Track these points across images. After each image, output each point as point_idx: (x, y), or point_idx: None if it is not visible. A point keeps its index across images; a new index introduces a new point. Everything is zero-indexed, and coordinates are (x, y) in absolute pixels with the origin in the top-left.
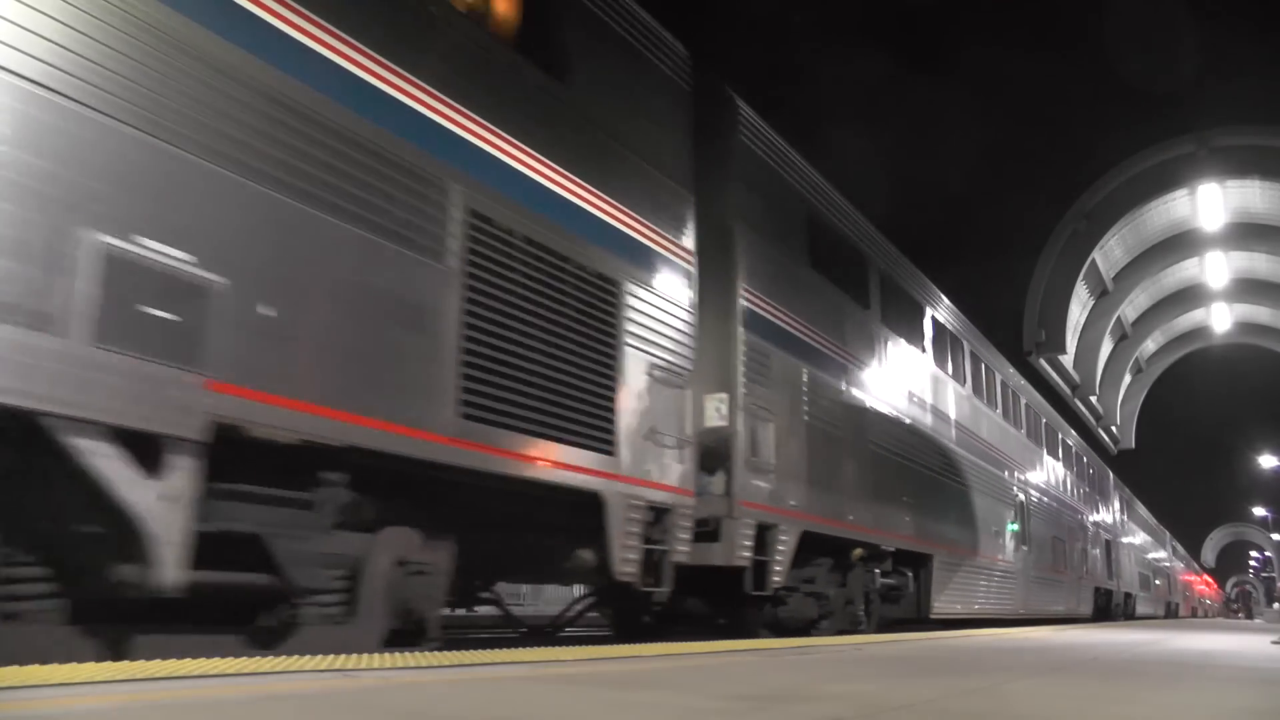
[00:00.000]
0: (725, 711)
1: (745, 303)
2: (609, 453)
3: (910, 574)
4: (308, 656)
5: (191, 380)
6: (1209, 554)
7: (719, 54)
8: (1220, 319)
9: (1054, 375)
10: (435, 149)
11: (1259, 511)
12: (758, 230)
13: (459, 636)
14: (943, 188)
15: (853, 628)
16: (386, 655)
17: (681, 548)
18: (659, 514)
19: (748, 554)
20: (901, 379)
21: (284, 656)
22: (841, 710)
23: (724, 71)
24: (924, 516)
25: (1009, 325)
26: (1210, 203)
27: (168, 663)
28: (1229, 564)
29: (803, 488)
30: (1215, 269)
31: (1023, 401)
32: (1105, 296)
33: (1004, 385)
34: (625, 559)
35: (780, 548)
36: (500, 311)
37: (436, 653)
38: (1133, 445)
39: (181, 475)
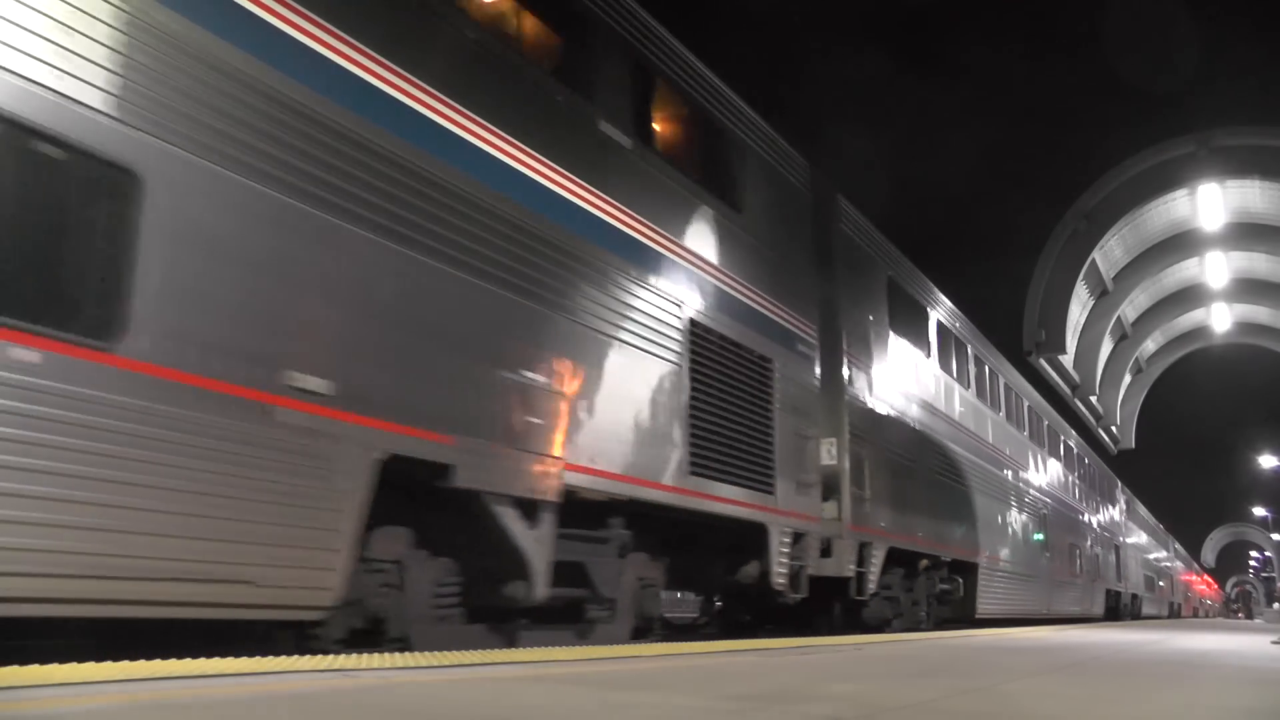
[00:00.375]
0: (725, 711)
1: (847, 364)
2: (770, 492)
3: (960, 580)
4: (308, 657)
5: (557, 465)
6: (1209, 554)
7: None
8: (1220, 319)
9: (1054, 375)
10: (674, 286)
11: (1259, 511)
12: (854, 302)
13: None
14: (943, 188)
15: (915, 626)
16: (386, 655)
17: (812, 563)
18: (797, 537)
19: (853, 566)
20: (953, 413)
21: (284, 657)
22: (841, 710)
23: (818, 162)
24: (971, 530)
25: (1009, 325)
26: (1210, 203)
27: (167, 663)
28: (1229, 564)
29: (888, 511)
30: (1215, 269)
31: (1045, 423)
32: (1105, 296)
33: (1030, 409)
34: (779, 573)
35: (874, 561)
36: (707, 394)
37: (436, 653)
38: (1133, 445)
39: (546, 524)
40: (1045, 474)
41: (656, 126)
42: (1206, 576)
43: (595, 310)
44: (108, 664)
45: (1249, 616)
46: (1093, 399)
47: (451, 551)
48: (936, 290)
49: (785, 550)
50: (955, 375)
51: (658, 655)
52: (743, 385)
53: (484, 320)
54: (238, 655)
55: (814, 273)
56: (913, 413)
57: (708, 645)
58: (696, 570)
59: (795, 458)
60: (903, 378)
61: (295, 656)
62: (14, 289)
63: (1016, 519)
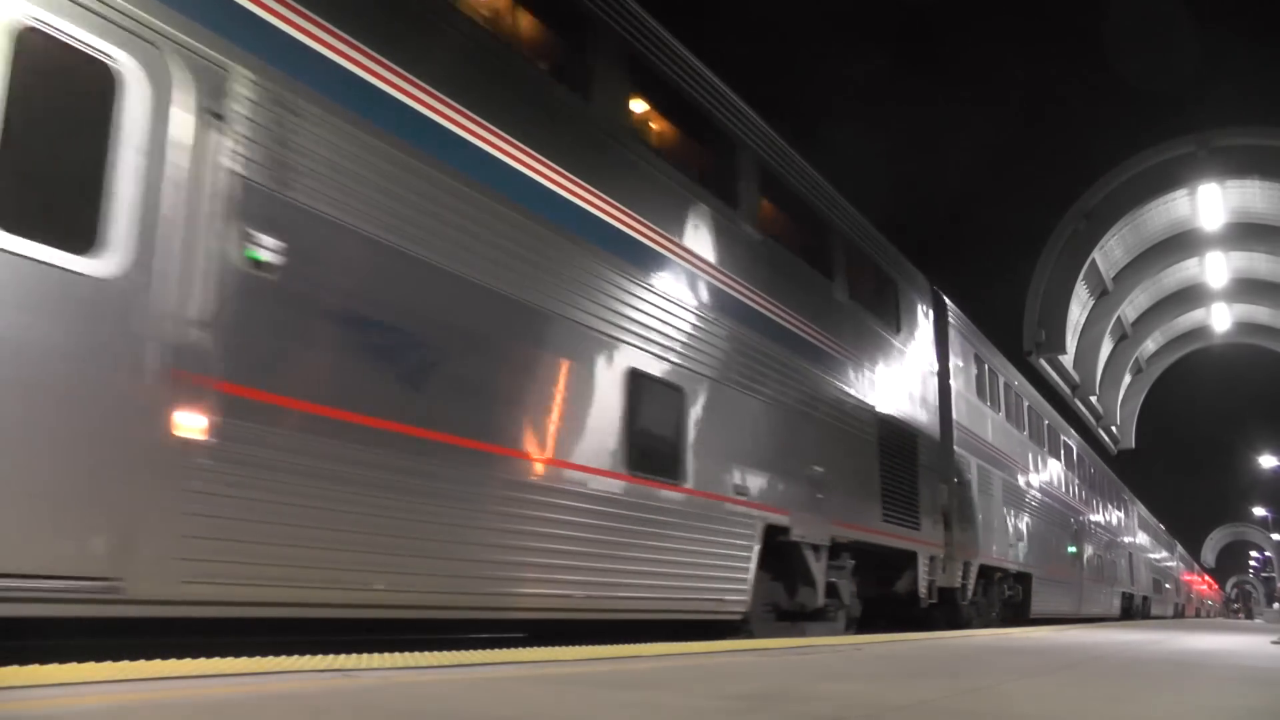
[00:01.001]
0: (725, 711)
1: (956, 430)
2: (917, 528)
3: (1020, 587)
4: (308, 657)
5: (829, 522)
6: (1209, 554)
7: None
8: (1220, 319)
9: (1054, 375)
10: (872, 393)
11: (1259, 511)
12: (957, 377)
13: (460, 637)
14: (943, 188)
15: (989, 624)
16: (386, 655)
17: (939, 578)
18: (932, 559)
19: (959, 579)
20: (1014, 454)
21: (284, 657)
22: (841, 710)
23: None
24: (1027, 547)
25: (1009, 325)
26: (1210, 203)
27: (167, 663)
28: (1229, 564)
29: (979, 535)
30: (1215, 269)
31: (1075, 452)
32: (1105, 296)
33: (1065, 443)
34: (923, 585)
35: (971, 575)
36: (889, 463)
37: (436, 653)
38: (1133, 445)
39: (824, 559)
40: (1076, 495)
41: (861, 285)
42: (1207, 577)
43: (843, 418)
44: (108, 664)
45: (1249, 616)
46: (1093, 399)
47: (776, 575)
48: (1003, 357)
49: (926, 569)
50: (1015, 423)
51: (658, 655)
52: (905, 454)
53: (797, 439)
54: (237, 655)
55: (935, 363)
56: (994, 458)
57: (708, 645)
58: (867, 584)
59: (929, 501)
60: (983, 432)
61: (295, 656)
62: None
63: (1057, 535)
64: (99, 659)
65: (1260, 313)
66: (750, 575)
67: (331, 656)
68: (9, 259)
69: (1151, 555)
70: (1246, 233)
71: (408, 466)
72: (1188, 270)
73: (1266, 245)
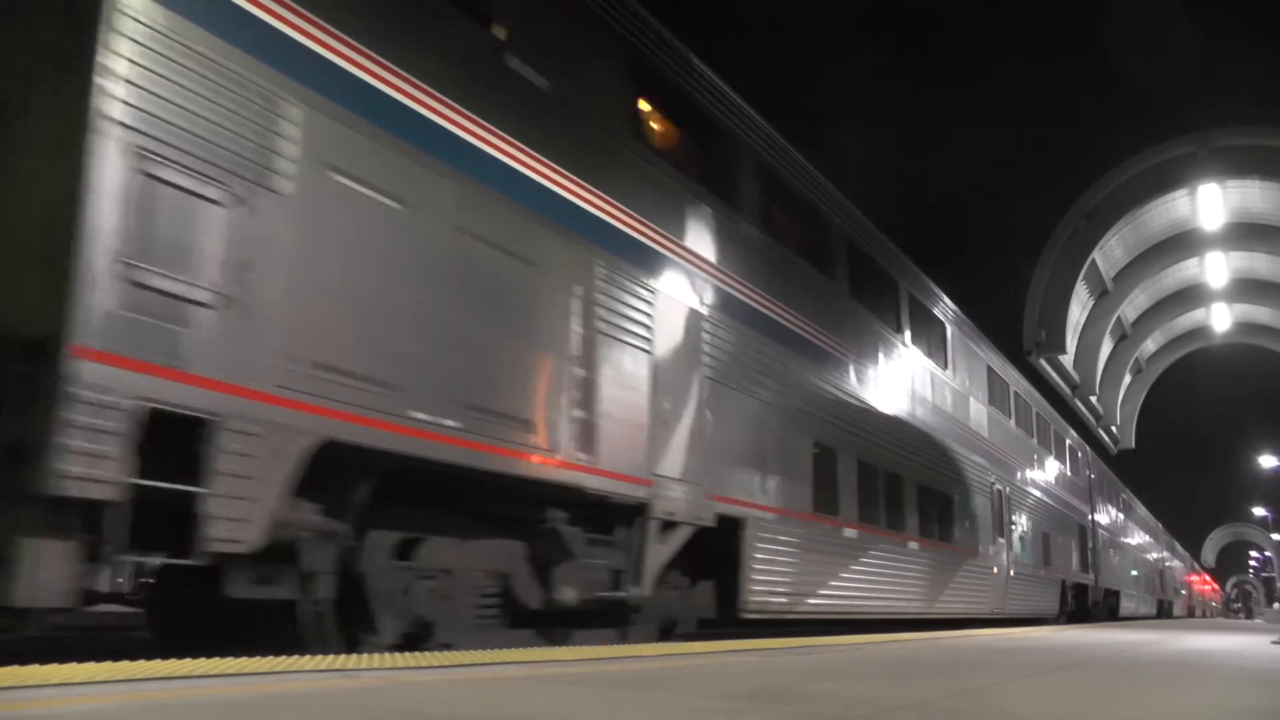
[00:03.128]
0: (725, 711)
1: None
2: (1053, 563)
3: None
4: (308, 657)
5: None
6: (1209, 554)
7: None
8: (1220, 319)
9: (1054, 375)
10: (992, 466)
11: (1259, 511)
12: (1038, 436)
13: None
14: (944, 188)
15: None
16: (386, 655)
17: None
18: (1064, 584)
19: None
20: (1073, 492)
21: (284, 657)
22: (840, 710)
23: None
24: (1090, 562)
25: (1009, 325)
26: (1210, 203)
27: (167, 663)
28: (1229, 564)
29: (1061, 560)
30: (1215, 269)
31: (1120, 491)
32: (1105, 296)
33: (1109, 481)
34: (1058, 601)
35: (1068, 592)
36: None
37: (436, 653)
38: (1133, 445)
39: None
40: (1116, 518)
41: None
42: (1207, 576)
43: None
44: (108, 664)
45: (1249, 616)
46: (1093, 399)
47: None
48: (1059, 417)
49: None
50: (1069, 469)
51: (658, 655)
52: (1030, 507)
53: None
54: (237, 655)
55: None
56: (1051, 497)
57: (708, 645)
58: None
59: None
60: (1047, 477)
61: (295, 656)
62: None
63: (1111, 553)
64: (99, 659)
65: (1260, 313)
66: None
67: (331, 656)
68: None
69: (1174, 567)
70: (1246, 233)
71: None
72: (1188, 270)
73: (1266, 245)
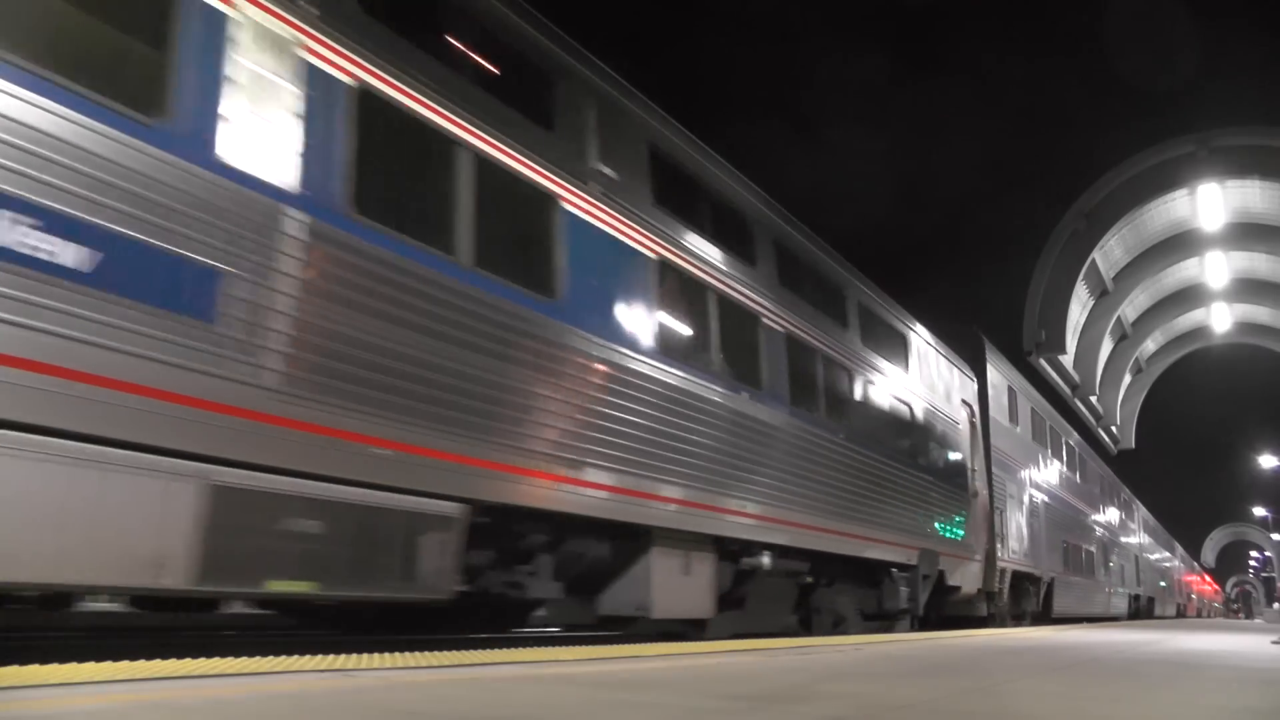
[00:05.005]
0: (725, 711)
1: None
2: (1140, 584)
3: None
4: (308, 657)
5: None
6: (1209, 554)
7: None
8: (1220, 319)
9: (1054, 375)
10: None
11: (1259, 511)
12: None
13: (460, 637)
14: (943, 188)
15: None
16: (386, 655)
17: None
18: (1133, 598)
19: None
20: (1112, 521)
21: (284, 657)
22: (841, 710)
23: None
24: (1140, 578)
25: (1009, 325)
26: (1210, 203)
27: (167, 663)
28: (1229, 564)
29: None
30: (1215, 269)
31: (1137, 512)
32: (1105, 296)
33: (1136, 504)
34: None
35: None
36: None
37: (436, 653)
38: (1133, 445)
39: None
40: (1144, 539)
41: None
42: (1207, 576)
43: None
44: (108, 664)
45: (1249, 616)
46: (1093, 399)
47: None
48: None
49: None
50: (1117, 506)
51: (658, 655)
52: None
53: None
54: (238, 655)
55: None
56: (1107, 531)
57: (708, 645)
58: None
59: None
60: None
61: (295, 656)
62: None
63: (1147, 568)
64: (99, 659)
65: (1260, 313)
66: None
67: (331, 656)
68: None
69: (1184, 574)
70: (1246, 233)
71: None
72: (1188, 270)
73: (1266, 245)
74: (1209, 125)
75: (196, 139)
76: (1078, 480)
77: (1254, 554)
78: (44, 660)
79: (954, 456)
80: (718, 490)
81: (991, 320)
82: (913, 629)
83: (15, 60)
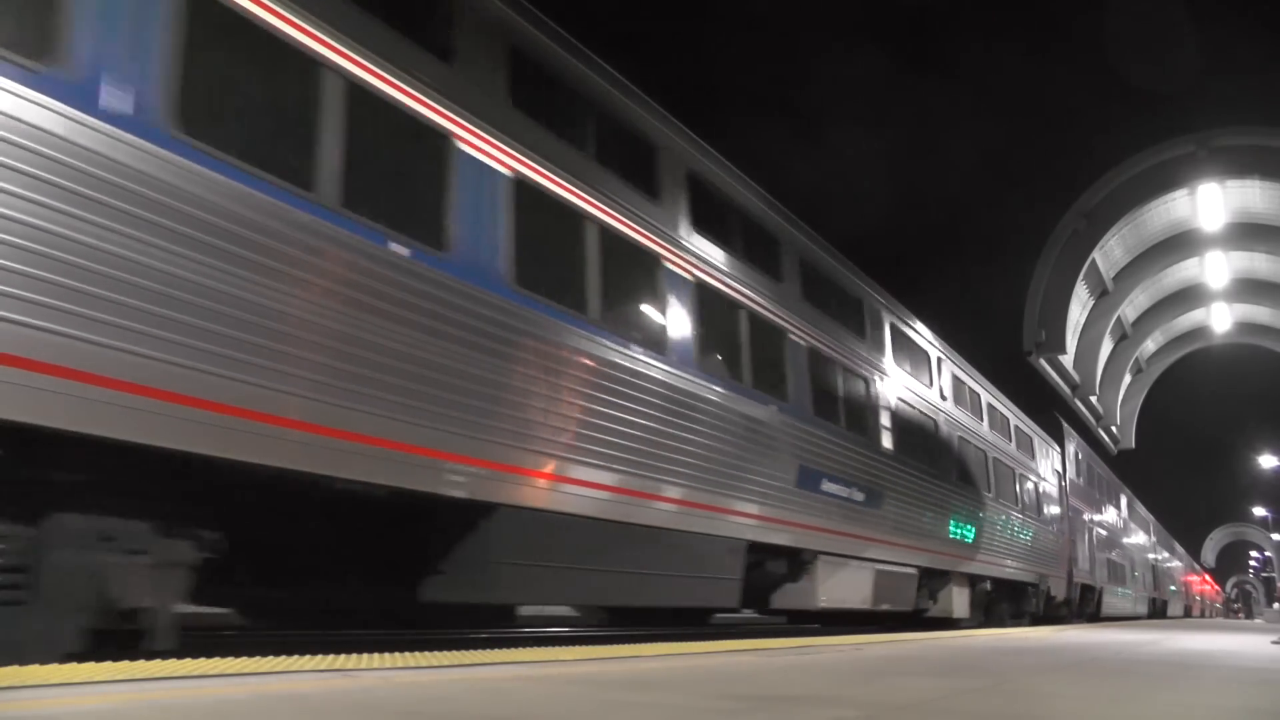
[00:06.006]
0: (725, 711)
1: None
2: (1169, 598)
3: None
4: (308, 657)
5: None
6: (1209, 554)
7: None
8: (1220, 319)
9: (1054, 375)
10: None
11: (1259, 511)
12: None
13: (460, 637)
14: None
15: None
16: (386, 655)
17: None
18: (1154, 602)
19: (1144, 609)
20: (1138, 540)
21: (284, 657)
22: (842, 710)
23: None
24: (1157, 584)
25: (1009, 325)
26: (1210, 203)
27: (167, 663)
28: (1229, 564)
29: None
30: (1215, 269)
31: (1154, 528)
32: (1105, 296)
33: (1153, 526)
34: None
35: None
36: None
37: (436, 653)
38: (1133, 445)
39: None
40: (1161, 553)
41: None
42: (1207, 576)
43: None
44: (108, 664)
45: (1249, 616)
46: (1093, 399)
47: None
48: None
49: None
50: (1140, 528)
51: (658, 655)
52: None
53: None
54: (238, 655)
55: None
56: (1137, 548)
57: (708, 645)
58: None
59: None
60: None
61: (295, 656)
62: None
63: (1162, 575)
64: (99, 659)
65: (1260, 313)
66: None
67: (331, 656)
68: None
69: (1190, 579)
70: (1246, 233)
71: None
72: (1188, 270)
73: (1266, 245)
74: (1209, 125)
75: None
76: (1117, 512)
77: (1254, 554)
78: (43, 660)
79: (1053, 510)
80: (976, 550)
81: (992, 320)
82: (1027, 624)
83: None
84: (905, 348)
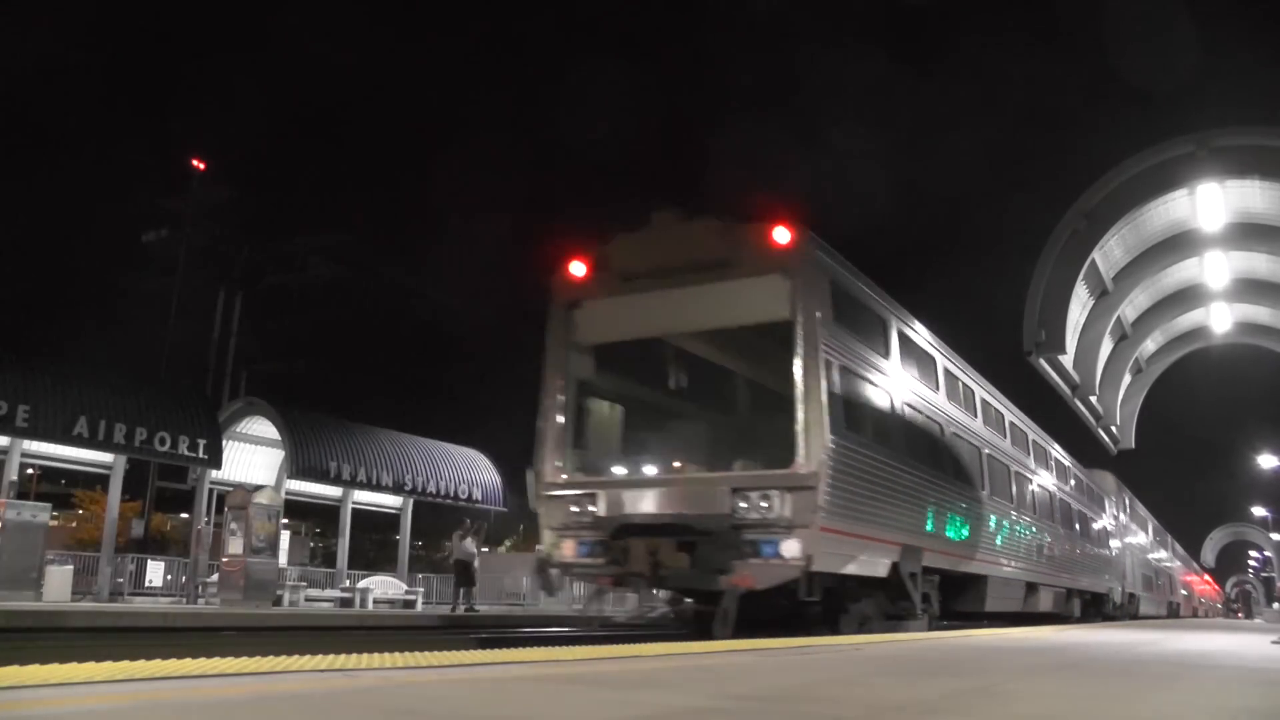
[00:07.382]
0: (725, 711)
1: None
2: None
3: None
4: (308, 657)
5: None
6: (1209, 554)
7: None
8: (1220, 319)
9: (1054, 375)
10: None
11: (1259, 511)
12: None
13: (460, 637)
14: (943, 188)
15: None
16: (386, 655)
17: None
18: (1170, 605)
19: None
20: (1161, 555)
21: (284, 657)
22: (841, 710)
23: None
24: (1173, 589)
25: (1009, 325)
26: (1210, 203)
27: (167, 663)
28: (1229, 564)
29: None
30: (1215, 269)
31: (1170, 543)
32: (1105, 296)
33: (1170, 541)
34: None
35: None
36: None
37: (436, 653)
38: (1133, 445)
39: None
40: (1175, 563)
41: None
42: (1207, 576)
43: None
44: (108, 664)
45: (1249, 616)
46: (1093, 399)
47: None
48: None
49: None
50: (1162, 545)
51: (658, 655)
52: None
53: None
54: (238, 655)
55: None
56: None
57: (708, 645)
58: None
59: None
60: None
61: (295, 656)
62: None
63: (1177, 582)
64: (99, 659)
65: (1260, 313)
66: None
67: (332, 656)
68: None
69: (1191, 582)
70: (1246, 233)
71: None
72: (1188, 270)
73: (1266, 245)
74: (1209, 125)
75: None
76: (1148, 535)
77: (1254, 554)
78: (44, 660)
79: (1115, 543)
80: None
81: (992, 320)
82: (1099, 621)
83: None
84: (1058, 465)
